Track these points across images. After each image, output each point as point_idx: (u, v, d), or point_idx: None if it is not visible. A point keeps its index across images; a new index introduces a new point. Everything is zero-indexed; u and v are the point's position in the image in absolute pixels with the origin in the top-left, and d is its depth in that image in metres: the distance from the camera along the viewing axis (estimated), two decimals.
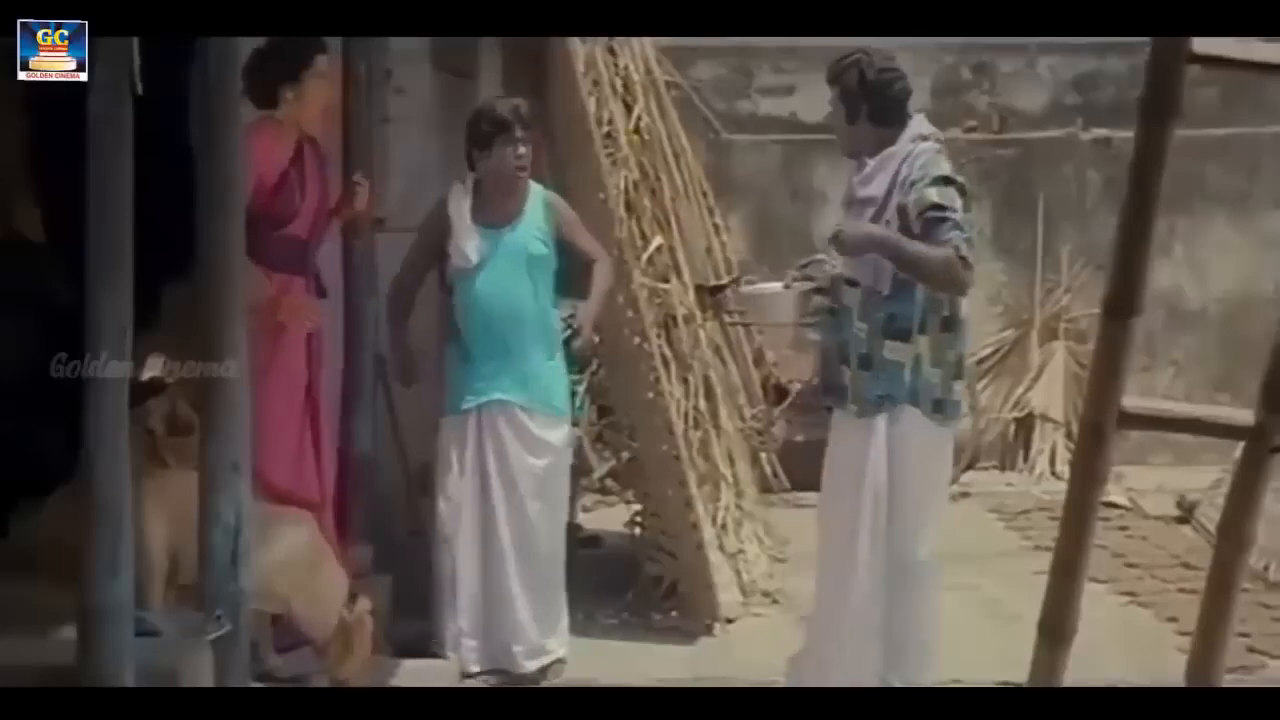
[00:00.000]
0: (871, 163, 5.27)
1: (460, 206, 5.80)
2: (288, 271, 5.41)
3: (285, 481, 5.35)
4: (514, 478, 5.80)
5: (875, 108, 5.29)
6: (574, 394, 7.97)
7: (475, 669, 5.79)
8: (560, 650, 5.88)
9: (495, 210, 5.83)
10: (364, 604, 5.07)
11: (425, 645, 5.85)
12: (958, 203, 5.16)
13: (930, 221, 5.08)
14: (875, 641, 5.27)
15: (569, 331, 6.07)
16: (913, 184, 5.14)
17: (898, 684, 5.24)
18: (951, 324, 5.25)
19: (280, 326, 5.35)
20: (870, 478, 5.20)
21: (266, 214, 5.27)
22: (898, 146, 5.24)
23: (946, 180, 5.17)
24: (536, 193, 5.94)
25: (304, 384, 5.48)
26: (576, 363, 6.55)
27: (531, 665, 5.80)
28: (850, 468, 5.27)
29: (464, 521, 5.81)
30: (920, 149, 5.22)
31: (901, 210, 5.14)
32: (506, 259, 5.80)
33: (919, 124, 5.32)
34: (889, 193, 5.19)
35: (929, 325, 5.20)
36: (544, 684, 5.78)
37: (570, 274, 5.99)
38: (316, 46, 5.41)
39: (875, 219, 5.20)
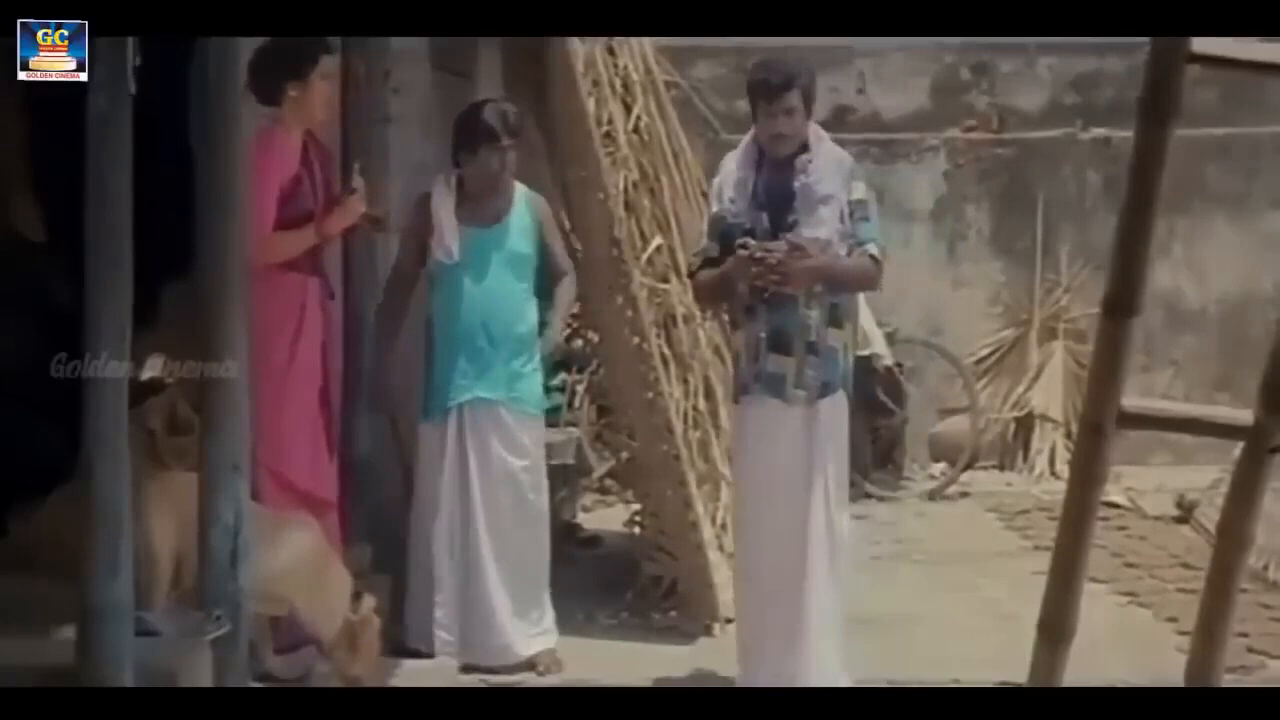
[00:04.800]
0: (813, 160, 5.40)
1: (443, 203, 5.84)
2: (302, 272, 5.44)
3: (304, 483, 5.37)
4: (494, 477, 5.83)
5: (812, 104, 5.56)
6: (574, 394, 8.00)
7: (452, 662, 5.82)
8: (549, 642, 5.91)
9: (480, 210, 5.87)
10: (369, 603, 5.08)
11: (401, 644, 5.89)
12: (872, 198, 5.56)
13: (857, 220, 5.40)
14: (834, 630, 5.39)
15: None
16: (848, 178, 5.44)
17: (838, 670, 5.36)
18: (856, 315, 5.71)
19: (300, 323, 5.37)
20: (819, 463, 5.36)
21: (284, 220, 5.30)
22: (828, 145, 5.49)
23: (859, 175, 5.55)
24: (520, 192, 5.98)
25: (320, 385, 5.50)
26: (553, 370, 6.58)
27: (519, 655, 5.83)
28: (796, 455, 5.37)
29: (443, 519, 5.84)
30: (836, 146, 5.55)
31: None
32: (491, 258, 5.84)
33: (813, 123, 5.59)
34: (839, 189, 5.40)
35: (853, 314, 5.61)
36: (539, 669, 5.82)
37: (543, 276, 6.05)
38: (323, 47, 5.42)
39: (838, 214, 5.37)
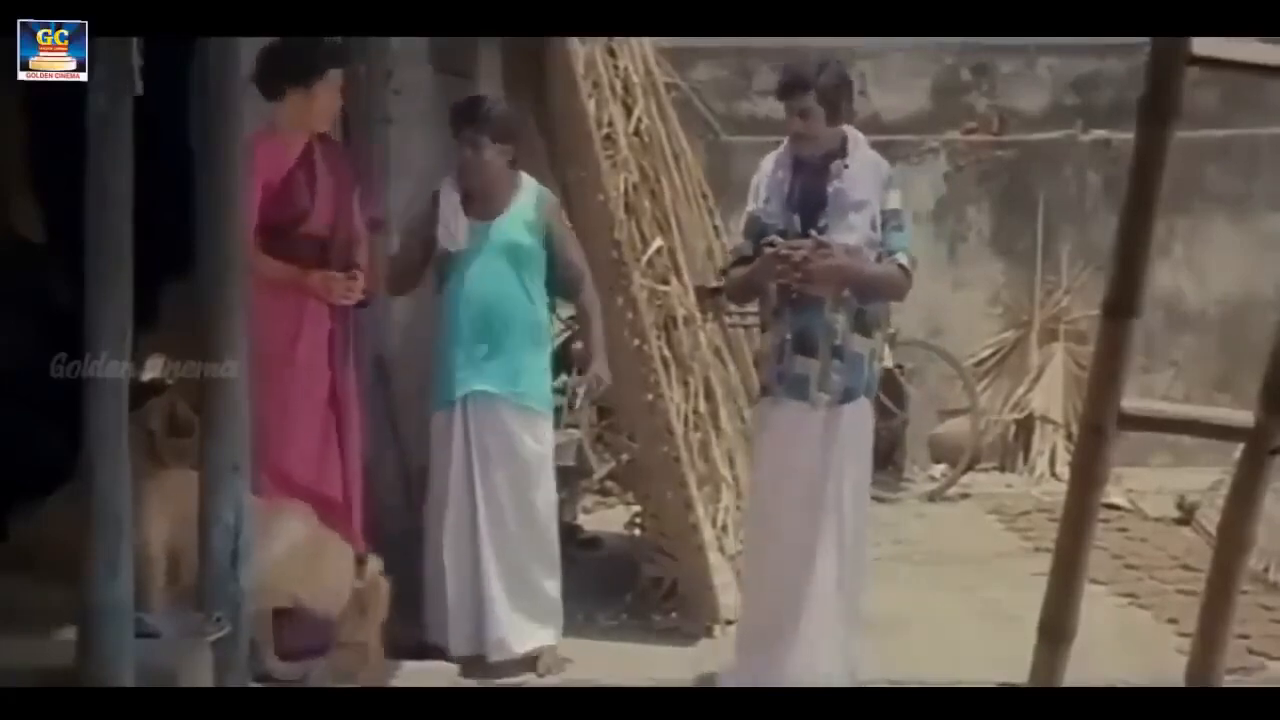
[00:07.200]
0: (848, 165, 5.36)
1: (451, 198, 5.87)
2: (305, 267, 5.43)
3: (305, 478, 5.35)
4: (495, 471, 5.84)
5: (850, 108, 5.47)
6: (574, 395, 8.00)
7: (463, 654, 5.83)
8: (548, 639, 5.91)
9: (481, 204, 5.90)
10: (374, 565, 5.08)
11: (418, 640, 5.87)
12: (906, 207, 5.51)
13: (889, 230, 5.36)
14: (839, 634, 5.39)
15: (572, 342, 6.13)
16: (884, 185, 5.38)
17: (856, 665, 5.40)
18: (886, 324, 5.65)
19: (300, 320, 5.36)
20: (837, 467, 5.34)
21: (278, 217, 5.30)
22: (866, 151, 5.43)
23: (896, 184, 5.47)
24: (530, 188, 5.99)
25: (327, 381, 5.49)
26: (568, 367, 6.56)
27: (517, 652, 5.84)
28: (816, 458, 5.36)
29: (450, 513, 5.85)
30: (874, 153, 5.48)
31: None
32: (493, 251, 5.86)
33: (851, 128, 5.52)
34: (874, 196, 5.36)
35: (881, 323, 5.58)
36: (539, 670, 5.83)
37: (561, 276, 6.03)
38: (335, 59, 5.42)
39: (870, 221, 5.32)
